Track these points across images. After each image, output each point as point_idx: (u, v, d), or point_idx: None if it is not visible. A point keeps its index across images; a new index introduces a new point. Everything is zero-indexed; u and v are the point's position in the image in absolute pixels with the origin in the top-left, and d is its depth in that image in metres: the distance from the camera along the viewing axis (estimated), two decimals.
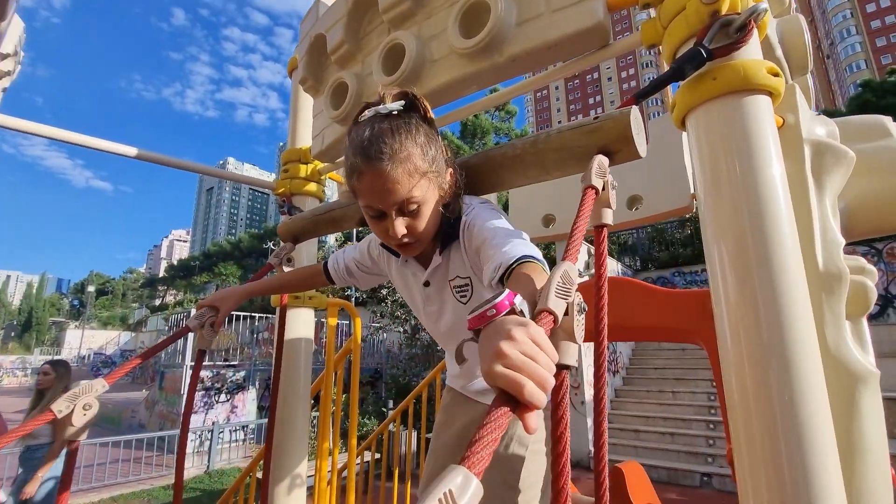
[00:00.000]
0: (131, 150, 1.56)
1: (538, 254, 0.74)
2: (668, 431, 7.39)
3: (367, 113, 0.88)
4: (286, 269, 1.37)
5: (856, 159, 1.17)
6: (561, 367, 0.56)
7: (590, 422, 7.75)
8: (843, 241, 0.89)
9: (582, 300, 0.57)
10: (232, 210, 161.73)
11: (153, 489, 7.20)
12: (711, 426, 7.06)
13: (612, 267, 10.64)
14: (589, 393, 7.88)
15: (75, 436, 0.89)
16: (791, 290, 0.70)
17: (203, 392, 9.76)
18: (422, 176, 0.87)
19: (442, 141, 0.94)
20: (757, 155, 0.76)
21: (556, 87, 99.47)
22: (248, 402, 10.41)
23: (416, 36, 1.22)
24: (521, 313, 0.54)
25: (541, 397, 0.43)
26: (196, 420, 9.33)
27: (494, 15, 1.03)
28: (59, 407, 0.88)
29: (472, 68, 1.11)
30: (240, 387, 10.37)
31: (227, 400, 10.06)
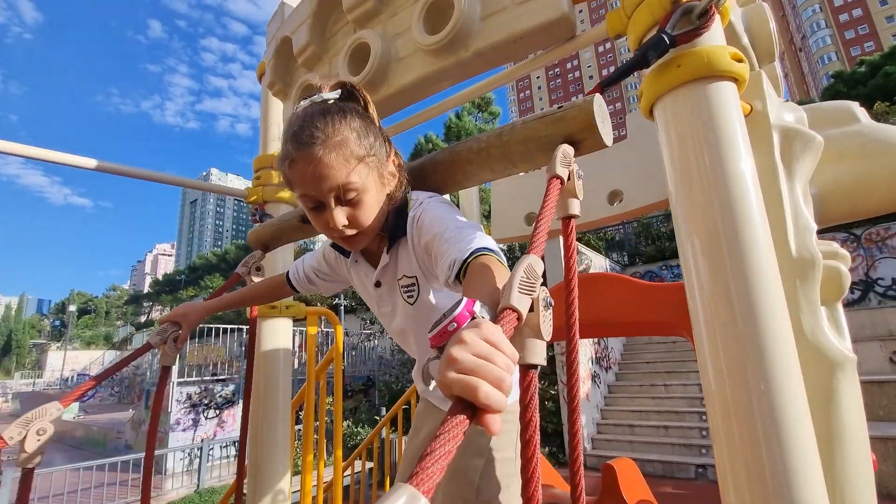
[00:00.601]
0: (112, 167, 1.50)
1: (494, 245, 0.71)
2: (661, 425, 7.44)
3: (304, 103, 0.85)
4: (255, 278, 1.32)
5: (825, 145, 1.17)
6: (528, 367, 0.54)
7: (584, 418, 7.77)
8: (815, 227, 0.89)
9: (548, 295, 0.54)
10: (217, 222, 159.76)
11: None
12: (704, 417, 7.11)
13: (600, 263, 10.71)
14: (582, 390, 7.90)
15: (27, 462, 0.84)
16: (764, 279, 0.69)
17: (190, 408, 9.55)
18: (359, 161, 0.82)
19: (382, 133, 0.90)
20: (724, 142, 0.74)
21: (539, 88, 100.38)
22: (237, 417, 10.22)
23: (381, 35, 1.19)
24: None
25: (498, 398, 0.40)
26: (184, 437, 9.13)
27: (458, 10, 1.01)
28: (11, 434, 0.83)
29: (439, 65, 1.09)
30: (229, 401, 10.18)
31: (217, 416, 9.87)
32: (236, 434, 9.81)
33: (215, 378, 10.41)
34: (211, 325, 11.47)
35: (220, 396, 10.05)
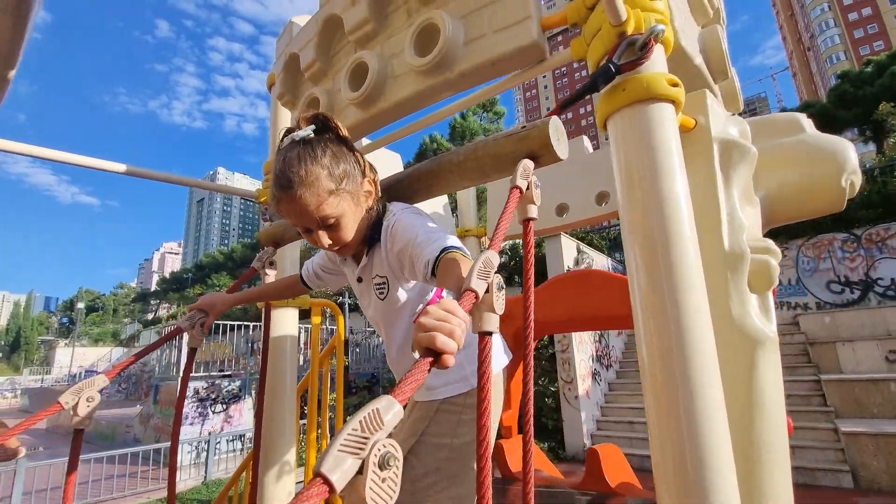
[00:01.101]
0: (119, 167, 1.67)
1: (459, 243, 0.88)
2: None
3: (285, 140, 1.03)
4: (269, 271, 1.49)
5: (775, 152, 1.32)
6: (484, 334, 0.69)
7: (584, 415, 7.89)
8: (747, 226, 1.02)
9: (501, 280, 0.70)
10: (224, 221, 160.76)
11: (149, 502, 7.22)
12: None
13: (602, 262, 10.81)
14: (582, 388, 8.03)
15: (80, 424, 1.00)
16: (688, 274, 0.82)
17: (198, 403, 9.79)
18: (330, 194, 1.00)
19: (355, 155, 1.07)
20: (660, 156, 0.89)
21: (546, 87, 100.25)
22: (244, 412, 10.44)
23: (379, 55, 1.34)
24: None
25: (450, 344, 0.56)
26: (192, 431, 9.36)
27: (444, 35, 1.16)
28: (66, 399, 0.99)
29: (428, 83, 1.24)
30: (235, 396, 10.40)
31: (223, 410, 10.09)
32: (243, 428, 10.03)
33: (222, 374, 10.63)
34: (218, 322, 11.69)
35: (227, 391, 10.27)
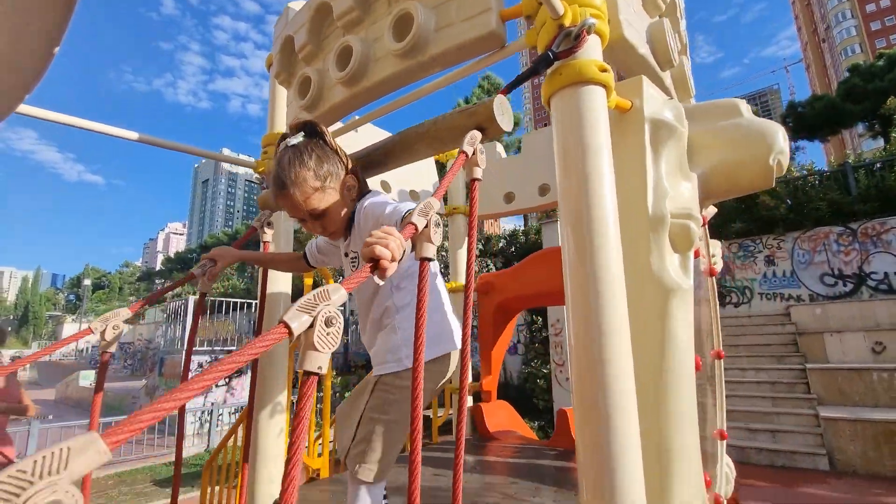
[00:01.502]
0: (132, 135, 1.84)
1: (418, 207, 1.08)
2: None
3: (281, 145, 1.25)
4: (266, 230, 1.67)
5: (715, 133, 1.48)
6: (423, 259, 0.86)
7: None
8: (670, 194, 1.19)
9: (440, 218, 0.87)
10: (228, 202, 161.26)
11: (155, 466, 7.56)
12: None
13: None
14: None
15: (107, 347, 1.20)
16: (607, 238, 0.98)
17: None
18: (315, 191, 1.22)
19: (338, 154, 1.27)
20: (589, 130, 1.05)
21: None
22: (245, 386, 10.77)
23: (363, 39, 1.50)
24: None
25: (386, 252, 0.74)
26: (196, 402, 9.72)
27: (416, 23, 1.32)
28: (95, 326, 1.19)
29: (405, 65, 1.40)
30: (238, 371, 10.73)
31: (226, 383, 10.43)
32: (245, 401, 10.38)
33: (225, 349, 10.95)
34: (222, 301, 11.98)
35: None
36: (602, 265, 0.98)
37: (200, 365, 10.12)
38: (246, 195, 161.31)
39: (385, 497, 1.38)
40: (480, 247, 11.87)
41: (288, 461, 0.54)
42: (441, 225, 0.87)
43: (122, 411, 12.90)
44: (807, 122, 17.88)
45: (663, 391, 1.10)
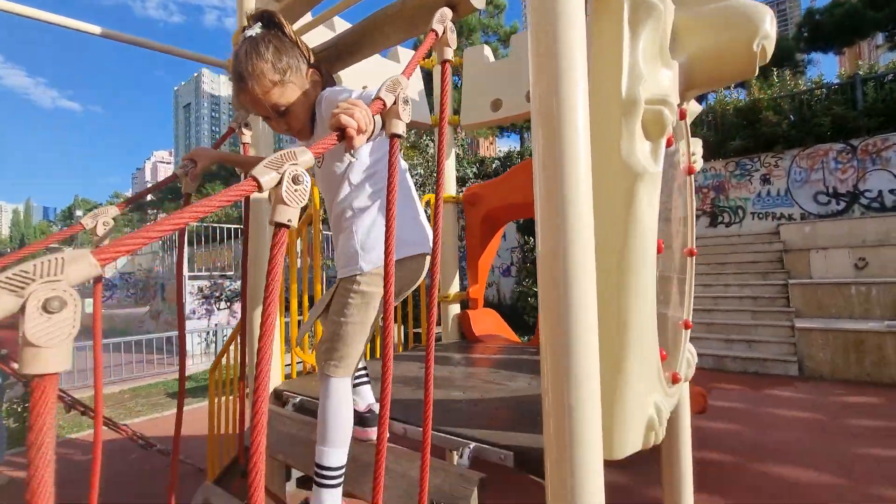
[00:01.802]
0: (95, 28, 1.74)
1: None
2: None
3: (239, 39, 1.17)
4: (245, 131, 1.65)
5: (698, 19, 1.42)
6: (393, 136, 0.87)
7: None
8: (645, 77, 1.17)
9: (408, 96, 0.87)
10: (213, 128, 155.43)
11: (167, 381, 8.04)
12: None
13: None
14: None
15: (99, 242, 1.22)
16: (574, 119, 0.96)
17: (203, 300, 10.45)
18: (275, 85, 1.15)
19: (299, 47, 1.20)
20: (563, 17, 0.99)
21: None
22: None
23: None
24: None
25: (351, 122, 0.75)
26: (199, 324, 10.13)
27: None
28: (85, 222, 1.21)
29: None
30: (238, 295, 11.06)
31: (228, 307, 10.80)
32: None
33: (223, 275, 11.17)
34: (217, 226, 11.99)
35: (230, 290, 10.89)
36: (569, 154, 0.98)
37: (200, 289, 10.40)
38: (230, 119, 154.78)
39: (366, 376, 1.51)
40: (475, 169, 11.70)
41: (263, 311, 0.58)
42: (409, 102, 0.87)
43: (129, 334, 13.47)
44: (824, 30, 16.86)
45: (625, 269, 1.15)
